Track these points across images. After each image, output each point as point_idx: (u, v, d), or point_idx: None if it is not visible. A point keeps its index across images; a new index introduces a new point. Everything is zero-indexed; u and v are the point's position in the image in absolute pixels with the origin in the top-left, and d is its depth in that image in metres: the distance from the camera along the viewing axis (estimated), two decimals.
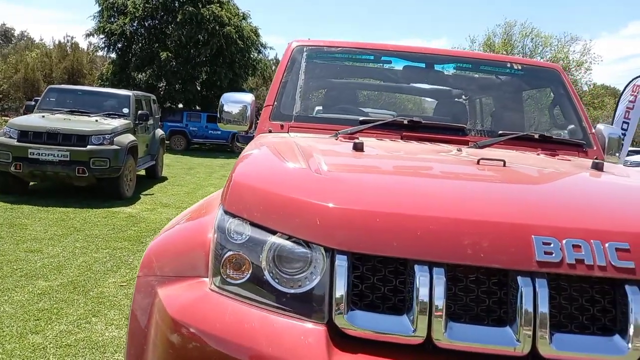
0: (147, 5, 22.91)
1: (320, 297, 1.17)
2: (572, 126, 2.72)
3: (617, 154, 2.84)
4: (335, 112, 2.79)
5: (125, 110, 9.07)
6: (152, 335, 1.31)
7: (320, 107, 2.96)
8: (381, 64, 3.01)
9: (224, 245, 1.31)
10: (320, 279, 1.18)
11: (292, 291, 1.20)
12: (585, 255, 1.10)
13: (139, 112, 9.25)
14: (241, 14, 24.95)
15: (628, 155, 15.50)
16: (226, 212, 1.36)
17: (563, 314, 1.13)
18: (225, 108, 2.70)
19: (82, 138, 7.62)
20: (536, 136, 2.47)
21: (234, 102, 2.71)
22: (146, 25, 23.93)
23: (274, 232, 1.25)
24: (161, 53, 22.51)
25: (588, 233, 1.13)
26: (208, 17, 22.24)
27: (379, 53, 2.91)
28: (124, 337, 3.03)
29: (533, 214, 1.20)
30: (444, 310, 1.09)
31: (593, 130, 2.73)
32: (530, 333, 1.07)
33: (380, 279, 1.17)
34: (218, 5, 22.99)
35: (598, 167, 1.84)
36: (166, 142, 16.22)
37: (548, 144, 2.47)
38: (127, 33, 23.22)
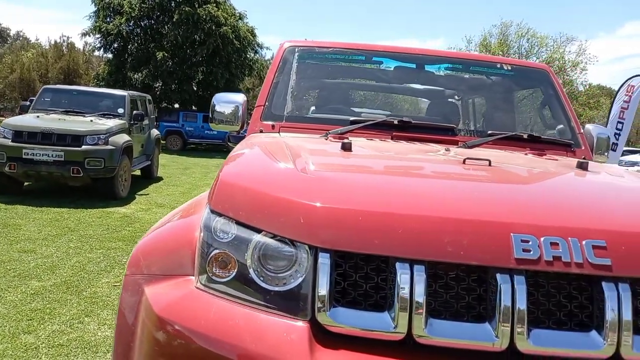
0: (143, 5, 22.90)
1: (304, 295, 1.19)
2: (561, 126, 2.75)
3: (606, 154, 2.87)
4: (327, 113, 2.81)
5: (121, 111, 9.07)
6: (139, 333, 1.33)
7: (312, 108, 2.98)
8: (372, 65, 3.03)
9: (210, 244, 1.32)
10: (304, 277, 1.20)
11: (277, 289, 1.22)
12: (562, 252, 1.12)
13: (134, 112, 9.24)
14: (237, 14, 24.96)
15: (623, 155, 15.62)
16: (212, 211, 1.37)
17: (541, 310, 1.15)
18: (217, 108, 2.72)
19: (76, 138, 7.61)
20: (525, 136, 2.49)
21: (226, 102, 2.72)
22: (142, 25, 23.92)
23: (259, 231, 1.26)
24: (157, 53, 22.49)
25: (566, 231, 1.15)
26: (204, 17, 22.24)
27: (370, 54, 2.93)
28: None
29: (512, 212, 1.22)
30: (424, 307, 1.11)
31: (582, 130, 2.76)
32: (509, 329, 1.09)
33: (363, 277, 1.19)
34: (214, 5, 23.00)
35: (583, 166, 1.87)
36: (162, 142, 16.25)
37: (537, 144, 2.49)
38: (123, 33, 23.19)
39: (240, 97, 2.75)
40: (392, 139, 2.41)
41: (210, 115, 2.74)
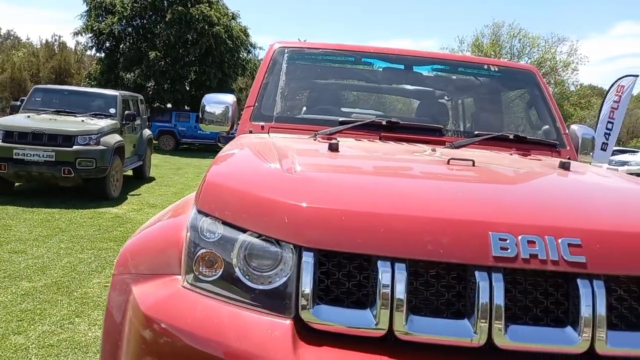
0: (135, 4, 22.81)
1: (288, 293, 1.21)
2: (547, 126, 2.79)
3: (591, 154, 2.92)
4: (316, 113, 2.83)
5: (112, 111, 9.04)
6: (126, 332, 1.35)
7: (302, 108, 3.01)
8: (361, 66, 3.06)
9: (197, 244, 1.34)
10: (289, 276, 1.22)
11: (262, 287, 1.24)
12: (539, 250, 1.15)
13: (126, 112, 9.21)
14: (230, 14, 24.93)
15: (613, 154, 15.78)
16: (199, 212, 1.39)
17: (518, 307, 1.18)
18: (207, 109, 2.74)
19: (68, 138, 7.58)
20: (511, 136, 2.53)
21: (216, 103, 2.74)
22: (134, 24, 23.83)
23: (244, 231, 1.29)
24: (150, 53, 22.42)
25: (542, 229, 1.18)
26: (197, 16, 22.19)
27: (359, 55, 2.96)
28: None
29: (491, 211, 1.26)
30: (405, 304, 1.14)
31: (567, 131, 2.81)
32: (487, 325, 1.12)
33: (345, 275, 1.21)
34: (207, 5, 22.96)
35: (565, 166, 1.91)
36: (155, 142, 16.19)
37: (522, 144, 2.53)
38: (115, 32, 23.10)
39: (230, 98, 2.77)
40: (380, 139, 2.44)
41: (201, 116, 2.76)
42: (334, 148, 1.84)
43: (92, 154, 7.64)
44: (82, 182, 7.91)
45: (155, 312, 1.27)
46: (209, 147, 21.32)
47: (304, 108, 3.03)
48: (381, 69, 3.00)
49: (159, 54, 22.52)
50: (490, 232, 1.17)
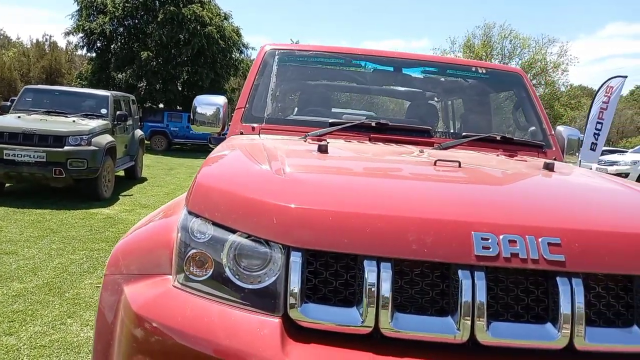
0: (127, 4, 22.70)
1: (277, 292, 1.24)
2: (533, 128, 2.84)
3: (577, 154, 2.98)
4: (307, 115, 2.86)
5: (104, 111, 9.01)
6: (118, 331, 1.37)
7: (292, 110, 3.04)
8: (351, 68, 3.10)
9: (188, 244, 1.37)
10: (278, 275, 1.25)
11: (251, 287, 1.27)
12: (520, 249, 1.19)
13: (118, 112, 9.19)
14: (223, 14, 24.89)
15: (602, 154, 15.94)
16: (190, 213, 1.42)
17: (500, 304, 1.22)
18: (199, 110, 2.76)
19: (58, 139, 7.55)
20: (498, 138, 2.58)
21: (207, 104, 2.77)
22: (126, 24, 23.71)
23: (234, 231, 1.31)
24: (142, 53, 22.33)
25: (523, 229, 1.22)
26: (189, 16, 22.13)
27: (348, 57, 2.99)
28: None
29: (474, 211, 1.29)
30: (390, 302, 1.17)
31: (553, 132, 2.86)
32: (469, 322, 1.16)
33: (333, 274, 1.24)
34: (199, 5, 22.90)
35: (549, 167, 1.95)
36: (147, 142, 16.14)
37: (509, 145, 2.58)
38: (107, 32, 22.98)
39: (221, 99, 2.80)
40: (369, 140, 2.47)
41: (192, 117, 2.78)
42: (323, 149, 1.87)
43: (84, 154, 7.61)
44: (74, 183, 7.87)
45: (146, 311, 1.29)
46: (202, 148, 21.26)
47: (295, 110, 3.06)
48: (371, 71, 3.04)
49: (150, 54, 22.43)
50: (472, 232, 1.21)
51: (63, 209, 7.35)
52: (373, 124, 2.52)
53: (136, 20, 23.68)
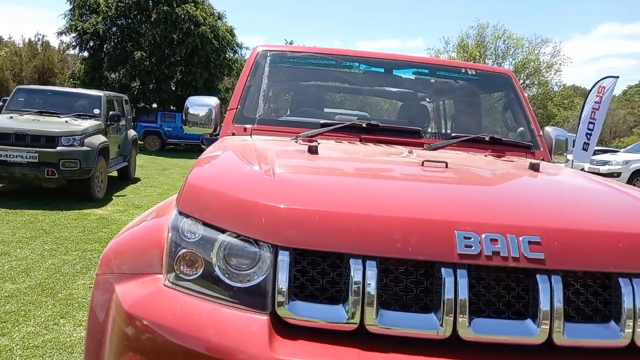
0: (120, 4, 22.63)
1: (265, 290, 1.27)
2: (521, 128, 2.88)
3: (565, 154, 3.03)
4: (299, 115, 2.89)
5: (97, 111, 8.99)
6: (109, 330, 1.39)
7: (284, 111, 3.07)
8: (343, 69, 3.13)
9: (178, 244, 1.39)
10: (267, 274, 1.28)
11: (241, 285, 1.30)
12: (501, 248, 1.22)
13: (111, 112, 9.18)
14: (216, 14, 24.86)
15: (594, 154, 16.06)
16: (180, 213, 1.45)
17: (482, 301, 1.25)
18: (191, 111, 2.78)
19: (51, 139, 7.53)
20: (487, 138, 2.62)
21: (199, 105, 2.79)
22: (119, 24, 23.63)
23: (223, 231, 1.34)
24: (135, 52, 22.26)
25: (505, 228, 1.26)
26: (183, 16, 22.10)
27: (340, 58, 3.02)
28: None
29: (457, 211, 1.33)
30: (375, 299, 1.20)
31: (541, 133, 2.90)
32: (452, 318, 1.20)
33: (320, 272, 1.27)
34: (193, 4, 22.87)
35: (534, 167, 1.99)
36: (140, 142, 16.09)
37: (498, 146, 2.61)
38: (100, 32, 22.88)
39: (213, 100, 2.82)
40: (360, 141, 2.50)
41: (184, 118, 2.81)
42: (313, 150, 1.90)
43: (76, 155, 7.60)
44: (66, 184, 7.86)
45: (136, 310, 1.32)
46: (195, 148, 21.21)
47: (287, 110, 3.09)
48: (362, 72, 3.07)
49: (144, 53, 22.37)
50: (455, 231, 1.24)
51: (56, 209, 7.34)
52: (364, 125, 2.55)
53: (129, 20, 23.61)
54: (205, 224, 1.37)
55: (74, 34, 23.30)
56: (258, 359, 1.14)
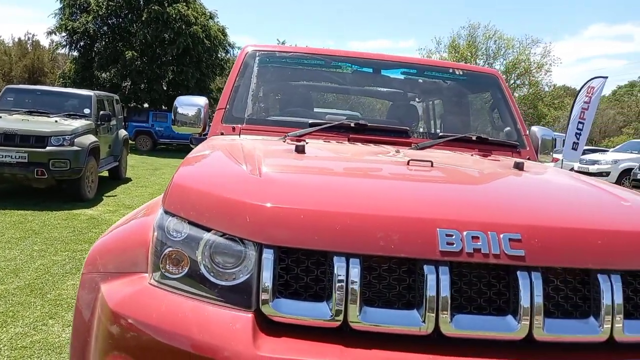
0: (110, 3, 22.48)
1: (250, 288, 1.28)
2: (508, 128, 2.91)
3: (551, 153, 3.07)
4: (288, 115, 2.90)
5: (87, 111, 8.94)
6: (95, 329, 1.40)
7: (273, 111, 3.08)
8: (332, 69, 3.14)
9: (164, 243, 1.40)
10: (252, 272, 1.29)
11: (226, 283, 1.31)
12: (482, 245, 1.24)
13: (101, 112, 9.12)
14: (208, 13, 24.79)
15: (584, 154, 16.21)
16: (166, 212, 1.45)
17: (464, 297, 1.27)
18: (180, 110, 2.78)
19: (41, 139, 7.48)
20: (474, 138, 2.64)
21: (188, 105, 2.79)
22: (110, 23, 23.49)
23: (209, 230, 1.35)
24: (126, 52, 22.13)
25: (486, 225, 1.28)
26: (174, 16, 22.01)
27: (329, 59, 3.04)
28: None
29: (439, 209, 1.35)
30: (359, 296, 1.22)
31: (527, 132, 2.94)
32: (434, 315, 1.21)
33: (304, 270, 1.29)
34: (184, 4, 22.78)
35: (519, 166, 2.02)
36: (131, 142, 16.01)
37: (485, 145, 2.64)
38: (90, 31, 22.72)
39: (202, 100, 2.82)
40: (348, 141, 2.52)
41: (173, 117, 2.81)
42: (300, 150, 1.91)
43: (66, 154, 7.55)
44: (56, 184, 7.81)
45: (121, 308, 1.32)
46: (187, 148, 20.86)
47: (276, 110, 3.10)
48: (350, 72, 3.08)
49: (135, 53, 22.25)
50: (437, 229, 1.26)
51: (45, 210, 7.29)
52: (352, 125, 2.56)
53: (120, 19, 23.47)
54: (190, 222, 1.38)
55: (64, 34, 23.12)
56: (242, 356, 1.15)
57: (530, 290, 1.24)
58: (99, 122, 8.97)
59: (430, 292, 1.22)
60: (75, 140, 7.80)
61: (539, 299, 1.24)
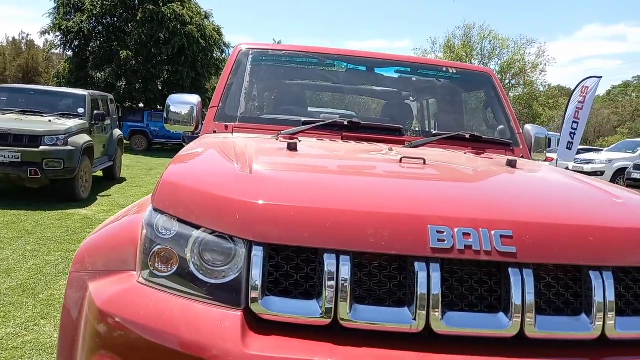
0: (105, 2, 22.35)
1: (240, 286, 1.26)
2: (502, 126, 2.91)
3: (544, 152, 3.07)
4: (281, 114, 2.89)
5: (81, 110, 8.89)
6: (82, 328, 1.38)
7: (267, 109, 3.06)
8: (325, 67, 3.13)
9: (154, 240, 1.38)
10: (241, 269, 1.27)
11: (215, 281, 1.29)
12: (473, 242, 1.23)
13: (95, 112, 9.08)
14: (203, 13, 24.71)
15: (578, 153, 16.29)
16: (155, 209, 1.44)
17: (455, 294, 1.26)
18: (172, 109, 2.76)
19: (34, 139, 7.42)
20: (467, 136, 2.64)
21: (181, 103, 2.77)
22: (105, 23, 23.35)
23: (198, 227, 1.33)
24: (121, 52, 22.03)
25: (477, 222, 1.27)
26: (169, 15, 21.91)
27: (322, 57, 3.02)
28: None
29: (430, 205, 1.34)
30: (349, 294, 1.21)
31: (521, 130, 2.93)
32: (425, 312, 1.20)
33: (294, 267, 1.27)
34: (179, 3, 22.70)
35: (511, 164, 2.01)
36: (127, 142, 15.95)
37: (478, 143, 2.64)
38: (85, 31, 22.58)
39: (194, 98, 2.80)
40: (342, 139, 2.50)
41: (165, 116, 2.79)
42: (292, 148, 1.89)
43: (60, 154, 7.50)
44: (50, 183, 7.76)
45: (109, 307, 1.30)
46: (182, 147, 21.00)
47: (269, 109, 3.09)
48: (344, 71, 3.07)
49: (130, 53, 22.15)
50: (428, 225, 1.25)
51: (39, 209, 7.24)
52: (345, 123, 2.55)
53: (115, 19, 23.34)
54: (180, 220, 1.37)
55: (58, 33, 22.98)
56: (230, 355, 1.14)
57: (521, 287, 1.23)
58: (93, 122, 8.93)
59: (421, 289, 1.21)
60: (69, 139, 7.75)
61: (530, 296, 1.23)
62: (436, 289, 1.21)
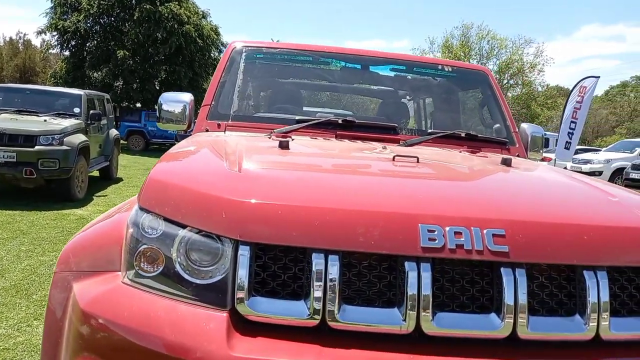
0: (102, 2, 22.30)
1: (226, 286, 1.23)
2: (498, 125, 2.88)
3: (541, 151, 3.04)
4: (275, 112, 2.85)
5: (77, 110, 8.85)
6: (66, 329, 1.35)
7: (260, 107, 3.03)
8: (319, 65, 3.10)
9: (139, 240, 1.35)
10: (228, 269, 1.24)
11: (201, 282, 1.26)
12: (465, 241, 1.20)
13: (91, 111, 9.03)
14: (200, 13, 24.68)
15: (576, 153, 16.29)
16: (141, 208, 1.41)
17: (446, 295, 1.23)
18: (164, 107, 2.73)
19: (29, 138, 7.38)
20: (462, 134, 2.61)
21: (173, 101, 2.74)
22: (102, 22, 23.30)
23: (184, 226, 1.30)
24: (118, 51, 21.98)
25: (469, 221, 1.24)
26: (166, 15, 21.88)
27: (316, 55, 2.99)
28: None
29: (421, 204, 1.31)
30: (338, 294, 1.18)
31: (517, 129, 2.91)
32: (415, 313, 1.17)
33: (281, 267, 1.24)
34: (177, 3, 22.66)
35: (506, 162, 1.98)
36: (124, 142, 15.89)
37: (474, 142, 2.61)
38: (82, 30, 22.52)
39: (187, 97, 2.77)
40: (336, 137, 2.48)
41: (158, 115, 2.76)
42: (284, 146, 1.87)
43: (55, 154, 7.46)
44: (45, 183, 7.72)
45: (92, 308, 1.27)
46: None
47: (263, 107, 3.06)
48: (339, 69, 3.04)
49: (127, 52, 22.09)
50: (419, 224, 1.22)
51: (34, 209, 7.20)
52: (339, 122, 2.52)
53: (112, 18, 23.30)
54: (166, 219, 1.34)
55: (54, 33, 22.91)
56: (214, 357, 1.11)
57: (514, 288, 1.20)
58: (89, 122, 8.88)
59: (412, 289, 1.18)
60: (64, 139, 7.71)
61: (523, 297, 1.20)
62: (427, 289, 1.18)
